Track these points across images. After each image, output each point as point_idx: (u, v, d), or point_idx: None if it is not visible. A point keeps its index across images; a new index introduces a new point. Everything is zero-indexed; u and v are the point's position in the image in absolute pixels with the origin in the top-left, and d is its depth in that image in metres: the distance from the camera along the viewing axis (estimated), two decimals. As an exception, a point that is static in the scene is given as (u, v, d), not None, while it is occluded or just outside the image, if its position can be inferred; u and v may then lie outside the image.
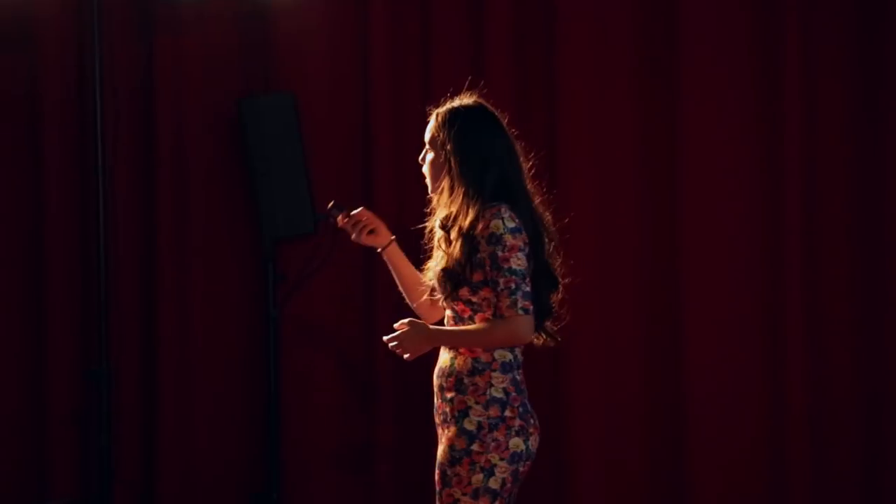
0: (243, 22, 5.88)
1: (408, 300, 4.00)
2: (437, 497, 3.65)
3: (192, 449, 5.86)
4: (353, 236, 3.95)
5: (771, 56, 5.63)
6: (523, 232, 3.63)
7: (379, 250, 3.98)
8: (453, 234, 3.64)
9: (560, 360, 5.62)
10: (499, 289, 3.59)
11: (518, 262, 3.58)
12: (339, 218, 3.95)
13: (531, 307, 3.60)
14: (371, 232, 3.95)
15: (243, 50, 5.90)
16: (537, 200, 3.76)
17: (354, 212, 3.94)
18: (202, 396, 5.87)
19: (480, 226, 3.59)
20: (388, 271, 4.03)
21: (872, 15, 5.62)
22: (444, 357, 3.73)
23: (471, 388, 3.64)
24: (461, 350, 3.68)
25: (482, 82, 5.51)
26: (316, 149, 5.80)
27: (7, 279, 5.85)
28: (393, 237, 3.96)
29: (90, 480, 5.78)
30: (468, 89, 3.87)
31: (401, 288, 3.99)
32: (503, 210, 3.61)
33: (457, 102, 3.78)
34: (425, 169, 3.81)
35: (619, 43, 5.73)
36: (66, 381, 5.81)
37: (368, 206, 5.56)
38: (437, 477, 3.65)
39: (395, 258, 3.97)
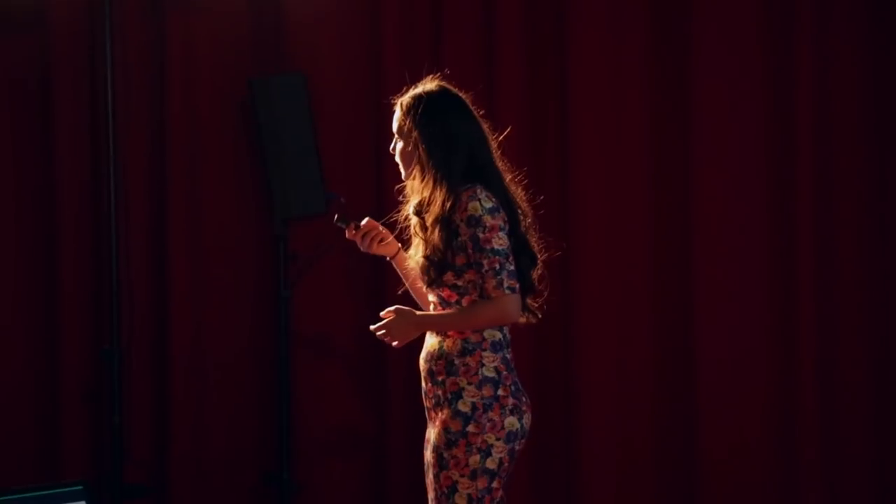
0: (254, 2, 5.87)
1: (420, 304, 3.95)
2: (434, 479, 3.64)
3: (204, 428, 5.87)
4: (363, 247, 3.93)
5: (784, 52, 5.61)
6: (501, 211, 3.63)
7: (388, 259, 3.96)
8: (428, 220, 3.64)
9: (570, 350, 5.68)
10: (483, 270, 3.59)
11: (500, 241, 3.59)
12: (347, 231, 3.93)
13: (517, 285, 3.61)
14: (380, 242, 3.93)
15: (254, 30, 5.89)
16: (508, 178, 3.74)
17: (363, 223, 3.92)
18: (214, 376, 5.88)
19: (457, 209, 3.59)
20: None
21: (886, 13, 5.60)
22: (432, 341, 3.73)
23: (462, 368, 3.64)
24: (449, 332, 3.67)
25: (490, 62, 5.70)
26: (327, 129, 5.79)
27: (21, 259, 5.87)
28: (400, 245, 3.93)
29: (102, 460, 5.81)
30: (432, 75, 3.86)
31: (412, 292, 3.96)
32: (479, 191, 3.61)
33: (419, 89, 3.78)
34: (397, 158, 3.81)
35: (631, 36, 5.70)
36: (79, 361, 5.82)
37: (378, 188, 5.69)
38: (431, 459, 3.65)
39: (404, 265, 3.92)
